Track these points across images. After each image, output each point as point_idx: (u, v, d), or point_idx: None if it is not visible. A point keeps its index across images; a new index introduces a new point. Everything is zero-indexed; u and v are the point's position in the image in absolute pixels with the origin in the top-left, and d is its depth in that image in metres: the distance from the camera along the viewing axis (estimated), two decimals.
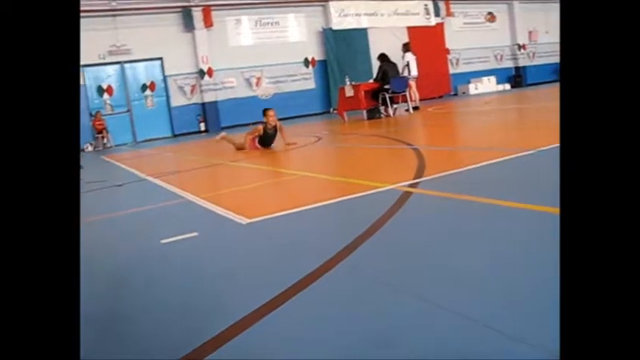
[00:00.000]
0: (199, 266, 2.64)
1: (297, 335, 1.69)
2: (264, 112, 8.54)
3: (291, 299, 1.96)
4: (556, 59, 26.83)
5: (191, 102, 17.36)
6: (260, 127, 8.35)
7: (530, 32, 26.23)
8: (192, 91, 17.39)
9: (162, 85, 17.01)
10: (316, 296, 1.99)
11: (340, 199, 3.67)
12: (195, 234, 3.15)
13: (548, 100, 13.57)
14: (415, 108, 13.30)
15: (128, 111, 16.36)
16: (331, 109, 18.76)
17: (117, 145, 15.31)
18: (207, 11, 17.19)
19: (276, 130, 8.43)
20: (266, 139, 8.34)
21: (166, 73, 17.03)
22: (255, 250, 2.81)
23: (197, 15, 17.07)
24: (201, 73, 17.26)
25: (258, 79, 18.64)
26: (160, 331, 1.89)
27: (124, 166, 8.44)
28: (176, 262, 2.76)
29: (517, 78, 25.10)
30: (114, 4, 15.56)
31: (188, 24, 16.98)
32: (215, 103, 17.57)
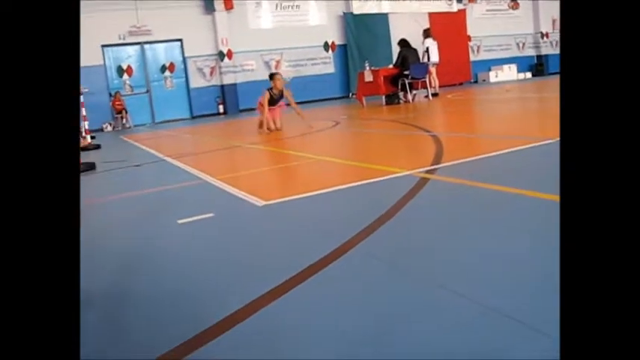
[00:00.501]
0: (214, 247, 2.66)
1: (309, 318, 1.70)
2: (271, 76, 9.13)
3: (305, 281, 1.97)
4: None
5: (210, 84, 17.38)
6: (267, 92, 8.86)
7: (554, 20, 25.80)
8: (211, 73, 17.40)
9: (182, 66, 17.04)
10: (330, 280, 2.00)
11: (357, 183, 3.67)
12: (211, 215, 3.17)
13: None
14: (434, 94, 13.21)
15: (147, 92, 16.42)
16: (350, 94, 18.69)
17: (136, 126, 15.40)
18: None
19: (282, 95, 8.99)
20: (272, 103, 8.92)
21: (186, 55, 17.04)
22: (269, 232, 2.82)
23: None
24: (220, 55, 17.25)
25: (278, 62, 18.60)
26: (173, 312, 1.90)
27: (142, 147, 8.50)
28: (191, 242, 2.78)
29: (539, 66, 24.78)
30: None
31: (209, 6, 16.95)
32: (234, 85, 17.58)
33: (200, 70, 17.25)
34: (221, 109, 17.47)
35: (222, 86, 17.48)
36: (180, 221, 3.08)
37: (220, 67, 17.36)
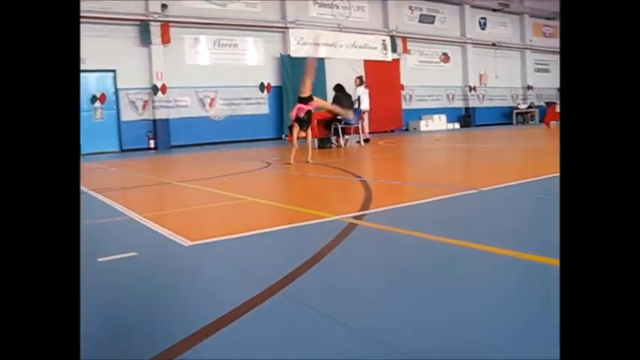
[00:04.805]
0: (134, 288, 2.58)
1: None
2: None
3: (226, 326, 1.93)
4: (503, 103, 27.80)
5: (142, 118, 17.12)
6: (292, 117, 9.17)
7: (481, 75, 27.14)
8: (144, 107, 17.16)
9: (114, 98, 16.75)
10: (252, 325, 1.96)
11: (285, 226, 3.66)
12: (134, 253, 3.07)
13: (494, 141, 13.98)
14: (366, 140, 13.48)
15: None
16: (283, 136, 18.82)
17: None
18: (165, 27, 17.09)
19: (309, 116, 9.17)
20: (301, 124, 9.17)
21: (118, 86, 16.78)
22: (194, 274, 2.76)
23: (155, 30, 16.95)
24: (154, 89, 17.07)
25: (212, 99, 18.58)
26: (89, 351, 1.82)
27: None
28: (110, 282, 2.68)
29: (467, 118, 25.86)
30: None
31: (145, 38, 16.82)
32: (167, 120, 17.39)
33: (132, 102, 16.98)
34: (152, 144, 17.19)
35: (154, 121, 17.25)
36: (100, 259, 2.97)
37: (153, 101, 17.15)
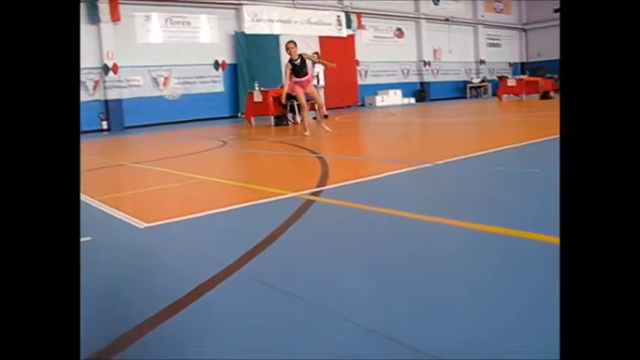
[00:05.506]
0: (89, 273, 2.53)
1: (187, 348, 1.66)
2: (285, 46, 9.25)
3: (185, 308, 1.92)
4: (457, 78, 28.14)
5: (93, 98, 16.69)
6: (288, 63, 9.01)
7: (435, 50, 27.35)
8: (94, 87, 16.73)
9: None
10: (212, 305, 1.96)
11: (242, 205, 3.64)
12: (88, 238, 3.02)
13: (448, 115, 14.17)
14: (325, 117, 13.46)
15: None
16: (239, 114, 18.66)
17: None
18: (114, 4, 16.61)
19: (302, 60, 9.07)
20: (297, 71, 8.99)
21: None
22: (150, 256, 2.73)
23: (103, 7, 16.45)
24: (105, 69, 16.65)
25: (166, 78, 18.24)
26: None
27: None
28: None
29: (421, 93, 26.10)
30: None
31: (93, 16, 16.30)
32: (119, 101, 17.00)
33: (82, 83, 16.50)
34: (105, 125, 16.80)
35: (106, 101, 16.85)
36: None
37: (105, 82, 16.73)
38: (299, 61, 9.06)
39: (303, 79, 9.07)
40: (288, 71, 8.94)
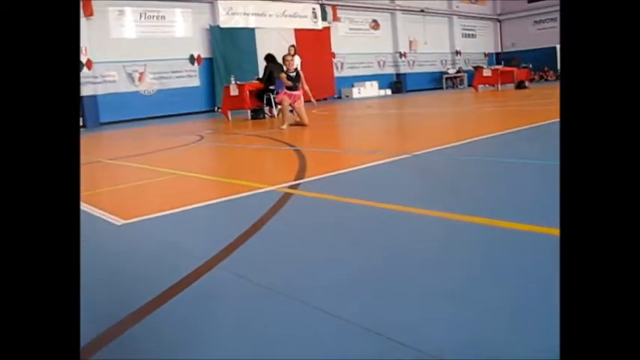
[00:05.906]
0: None
1: (175, 338, 1.66)
2: (283, 58, 9.74)
3: (165, 304, 1.92)
4: (433, 68, 28.29)
5: None
6: (283, 74, 9.33)
7: (410, 42, 27.43)
8: None
9: None
10: (192, 300, 1.96)
11: (220, 199, 3.64)
12: None
13: (424, 106, 14.25)
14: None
15: None
16: (216, 108, 18.55)
17: None
18: None
19: (297, 73, 9.33)
20: (290, 87, 9.33)
21: None
22: (128, 252, 2.72)
23: None
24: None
25: (142, 74, 18.03)
26: None
27: None
28: None
29: (398, 84, 26.18)
30: None
31: None
32: (94, 97, 16.77)
33: None
34: (80, 121, 16.58)
35: (80, 98, 16.61)
36: None
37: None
38: (295, 74, 9.37)
39: (295, 92, 9.28)
40: (284, 78, 9.38)
